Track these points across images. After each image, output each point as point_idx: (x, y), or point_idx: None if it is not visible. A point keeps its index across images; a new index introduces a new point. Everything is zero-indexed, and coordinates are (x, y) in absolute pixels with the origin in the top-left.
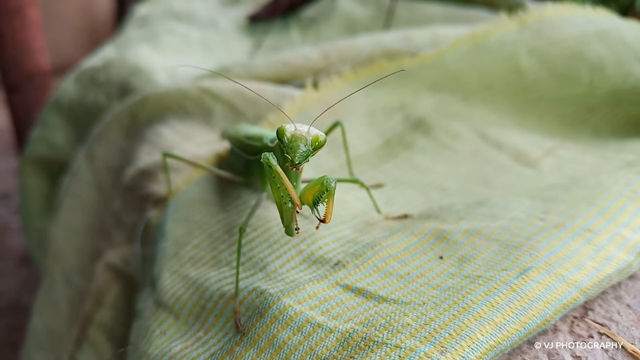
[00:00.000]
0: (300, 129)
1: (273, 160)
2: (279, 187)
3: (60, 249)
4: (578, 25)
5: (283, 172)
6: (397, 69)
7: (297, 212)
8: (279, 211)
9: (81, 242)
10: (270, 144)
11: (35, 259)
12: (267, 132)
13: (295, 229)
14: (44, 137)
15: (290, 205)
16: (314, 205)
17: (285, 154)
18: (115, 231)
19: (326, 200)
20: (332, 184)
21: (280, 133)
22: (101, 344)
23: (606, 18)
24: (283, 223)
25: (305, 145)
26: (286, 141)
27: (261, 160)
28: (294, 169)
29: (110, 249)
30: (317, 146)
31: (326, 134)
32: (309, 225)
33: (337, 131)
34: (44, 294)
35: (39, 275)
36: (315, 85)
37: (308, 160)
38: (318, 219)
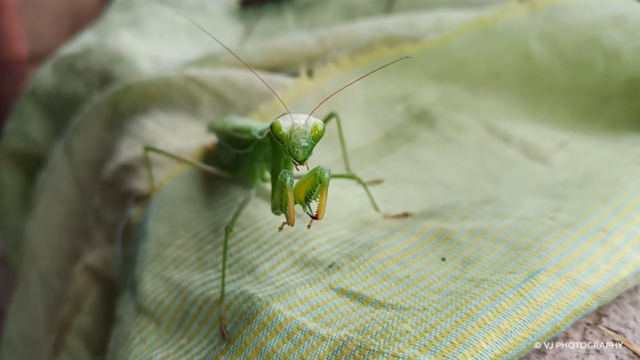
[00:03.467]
0: (297, 120)
1: (289, 182)
2: (282, 199)
3: (37, 248)
4: (592, 10)
5: (292, 197)
6: (398, 57)
7: (280, 228)
8: (271, 191)
9: (58, 241)
10: (258, 137)
11: (11, 259)
12: (255, 124)
13: (279, 228)
14: (20, 130)
15: (284, 212)
16: (306, 201)
17: (287, 153)
18: (95, 230)
19: (319, 193)
20: (326, 175)
21: (276, 129)
22: (79, 352)
23: (623, 2)
24: (272, 202)
25: (307, 140)
26: (285, 138)
27: (279, 177)
28: (300, 167)
29: (90, 250)
30: (317, 136)
31: None
32: (301, 224)
33: (333, 123)
34: (19, 298)
35: (16, 277)
36: (310, 73)
37: (311, 154)
38: (310, 215)
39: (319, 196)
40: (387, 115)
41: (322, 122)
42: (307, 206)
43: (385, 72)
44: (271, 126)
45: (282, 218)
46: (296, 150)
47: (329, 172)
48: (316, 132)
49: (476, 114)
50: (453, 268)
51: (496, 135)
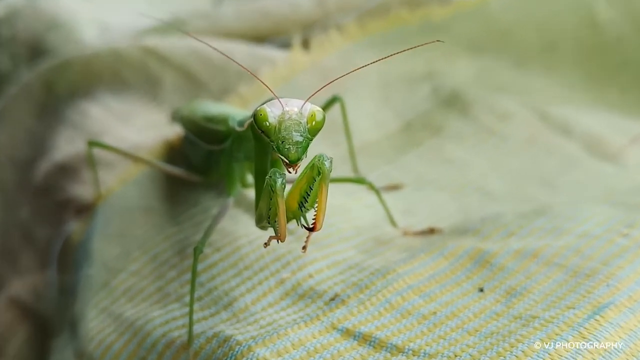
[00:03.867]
0: (288, 107)
1: (280, 185)
2: (270, 209)
3: None
4: None
5: (284, 204)
6: (422, 23)
7: (266, 243)
8: (255, 199)
9: None
10: (238, 128)
11: None
12: (234, 111)
13: (265, 244)
14: None
15: (272, 224)
16: (300, 208)
17: (275, 151)
18: (23, 251)
19: (318, 191)
20: (327, 165)
21: (260, 119)
22: None
23: None
24: (256, 212)
25: (301, 133)
26: (272, 132)
27: (267, 178)
28: (292, 169)
29: (16, 277)
30: (314, 128)
31: None
32: (294, 243)
33: (336, 110)
34: None
35: None
36: (306, 44)
37: (306, 153)
38: (305, 227)
39: (318, 196)
40: (407, 99)
41: (321, 109)
42: (301, 216)
43: (405, 42)
44: (254, 115)
45: (270, 232)
46: (287, 147)
47: (331, 162)
48: (313, 122)
49: (525, 98)
50: (494, 302)
51: (551, 125)
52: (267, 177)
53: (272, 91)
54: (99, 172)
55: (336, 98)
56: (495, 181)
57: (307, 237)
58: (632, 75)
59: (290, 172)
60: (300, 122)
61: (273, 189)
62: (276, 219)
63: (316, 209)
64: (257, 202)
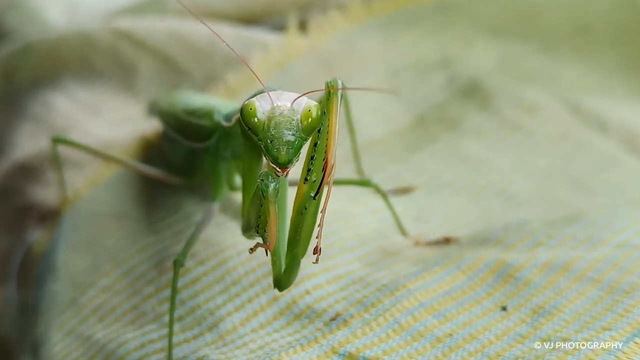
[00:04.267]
0: (279, 101)
1: (272, 189)
2: (260, 216)
3: None
4: None
5: (275, 211)
6: (436, 1)
7: (252, 249)
8: (242, 203)
9: None
10: (225, 123)
11: None
12: (220, 103)
13: (250, 249)
14: None
15: (261, 233)
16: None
17: (263, 150)
18: None
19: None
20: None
21: (247, 115)
22: None
23: None
24: (243, 219)
25: (293, 132)
26: (260, 129)
27: (258, 182)
28: (282, 173)
29: None
30: (309, 126)
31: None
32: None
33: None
34: None
35: None
36: (303, 25)
37: (299, 155)
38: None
39: (328, 122)
40: (419, 89)
41: (318, 104)
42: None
43: (417, 24)
44: (241, 109)
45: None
46: (276, 147)
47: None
48: (309, 120)
49: (554, 88)
50: (519, 322)
51: (585, 119)
52: (258, 180)
53: (260, 81)
54: (65, 173)
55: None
56: (520, 183)
57: (316, 249)
58: None
59: (278, 176)
60: (293, 120)
61: (264, 194)
62: (266, 228)
63: (327, 135)
64: (245, 207)
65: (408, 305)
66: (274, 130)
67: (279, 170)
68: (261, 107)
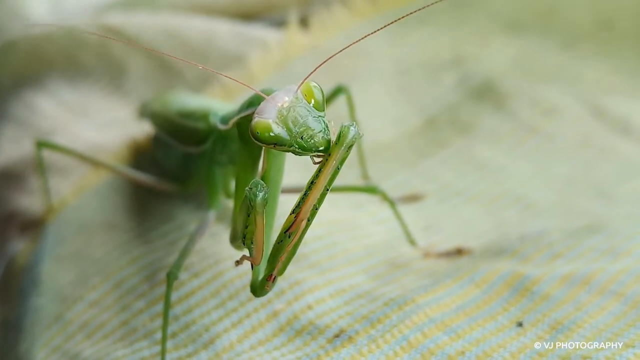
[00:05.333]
0: (281, 101)
1: (260, 199)
2: (247, 226)
3: None
4: None
5: (263, 222)
6: None
7: (238, 262)
8: (234, 211)
9: None
10: (221, 126)
11: None
12: (216, 106)
13: (236, 262)
14: None
15: (247, 244)
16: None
17: (299, 153)
18: None
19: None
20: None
21: (262, 134)
22: None
23: None
24: (231, 229)
25: (312, 115)
26: (284, 137)
27: (246, 191)
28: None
29: None
30: (319, 103)
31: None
32: (289, 267)
33: (341, 102)
34: None
35: None
36: (305, 22)
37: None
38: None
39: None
40: (430, 90)
41: (314, 82)
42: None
43: (427, 21)
44: (254, 135)
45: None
46: (311, 140)
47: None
48: (313, 100)
49: (575, 89)
50: (536, 338)
51: (607, 123)
52: (246, 189)
53: (257, 91)
54: (50, 180)
55: (341, 88)
56: (538, 191)
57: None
58: None
59: (316, 163)
60: (303, 107)
61: (252, 204)
62: (253, 240)
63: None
64: (235, 215)
65: (417, 321)
66: (297, 128)
67: (322, 155)
68: (270, 118)
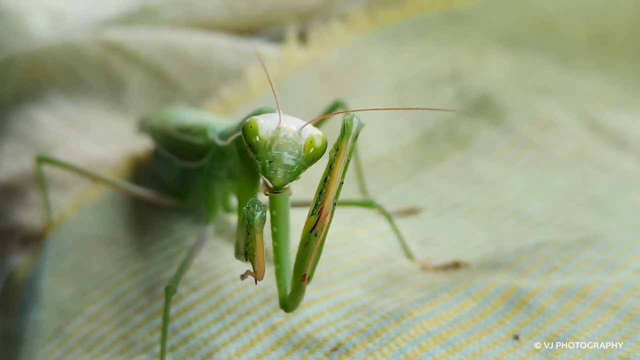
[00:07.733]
0: (285, 123)
1: (259, 218)
2: (248, 244)
3: None
4: None
5: (262, 239)
6: (445, 11)
7: (243, 276)
8: (237, 226)
9: None
10: (220, 142)
11: None
12: (215, 121)
13: (241, 276)
14: None
15: (251, 259)
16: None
17: (260, 169)
18: None
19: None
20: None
21: (250, 132)
22: None
23: None
24: (235, 243)
25: (294, 157)
26: (261, 148)
27: (244, 209)
28: (274, 193)
29: None
30: (312, 156)
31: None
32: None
33: (338, 118)
34: None
35: None
36: (303, 37)
37: (298, 178)
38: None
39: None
40: (427, 104)
41: (323, 136)
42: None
43: (424, 35)
44: (244, 125)
45: (249, 265)
46: (274, 168)
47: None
48: (311, 150)
49: (571, 103)
50: (532, 351)
51: (604, 136)
52: (244, 208)
53: (277, 101)
54: (50, 194)
55: (339, 103)
56: (534, 204)
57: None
58: None
59: (266, 195)
60: (297, 144)
61: (250, 222)
62: (255, 255)
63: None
64: (238, 230)
65: (414, 334)
66: (275, 151)
67: (271, 191)
68: (265, 126)
